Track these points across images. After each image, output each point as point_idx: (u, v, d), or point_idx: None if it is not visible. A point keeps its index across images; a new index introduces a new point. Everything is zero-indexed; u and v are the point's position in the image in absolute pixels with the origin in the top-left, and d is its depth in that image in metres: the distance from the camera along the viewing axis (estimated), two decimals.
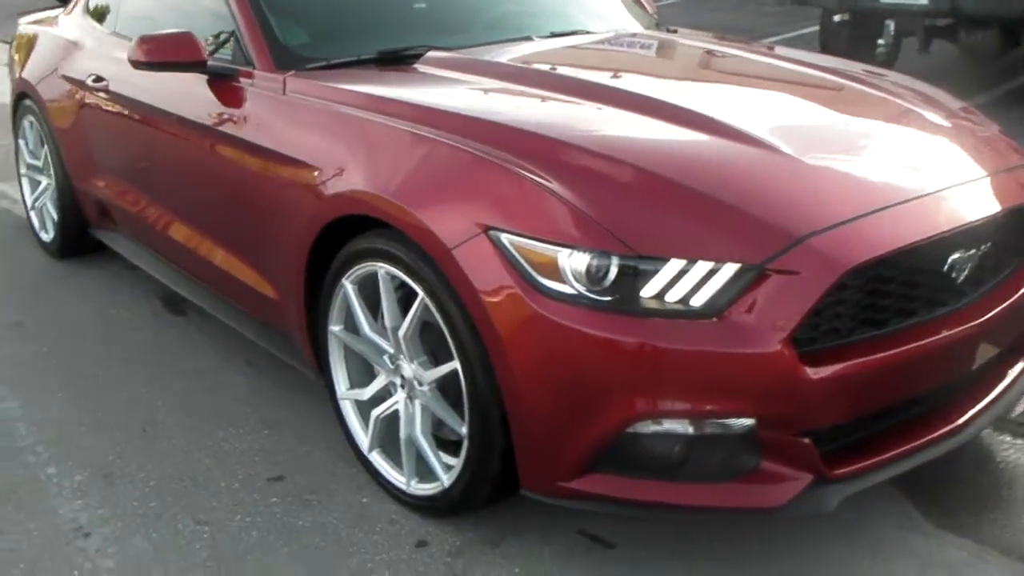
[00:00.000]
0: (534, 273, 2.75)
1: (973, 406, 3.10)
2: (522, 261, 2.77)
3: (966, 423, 3.05)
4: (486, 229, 2.83)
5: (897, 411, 2.96)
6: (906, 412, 2.99)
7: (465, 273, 2.85)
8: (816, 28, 9.83)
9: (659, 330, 2.66)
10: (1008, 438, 3.60)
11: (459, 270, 2.86)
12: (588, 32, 4.54)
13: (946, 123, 3.56)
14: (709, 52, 4.42)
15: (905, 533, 3.14)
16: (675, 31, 4.80)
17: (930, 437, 2.97)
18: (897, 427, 2.97)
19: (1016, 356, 3.34)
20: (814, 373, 2.65)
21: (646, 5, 5.16)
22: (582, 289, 2.70)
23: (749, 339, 2.63)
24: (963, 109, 3.82)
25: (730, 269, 2.66)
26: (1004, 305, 3.07)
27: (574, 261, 2.71)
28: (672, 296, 2.67)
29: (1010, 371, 3.29)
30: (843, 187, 2.96)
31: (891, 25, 8.60)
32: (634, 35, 4.60)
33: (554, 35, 4.42)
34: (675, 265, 2.67)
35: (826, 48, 9.04)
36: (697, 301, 2.66)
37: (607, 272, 2.69)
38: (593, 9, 4.86)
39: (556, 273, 2.73)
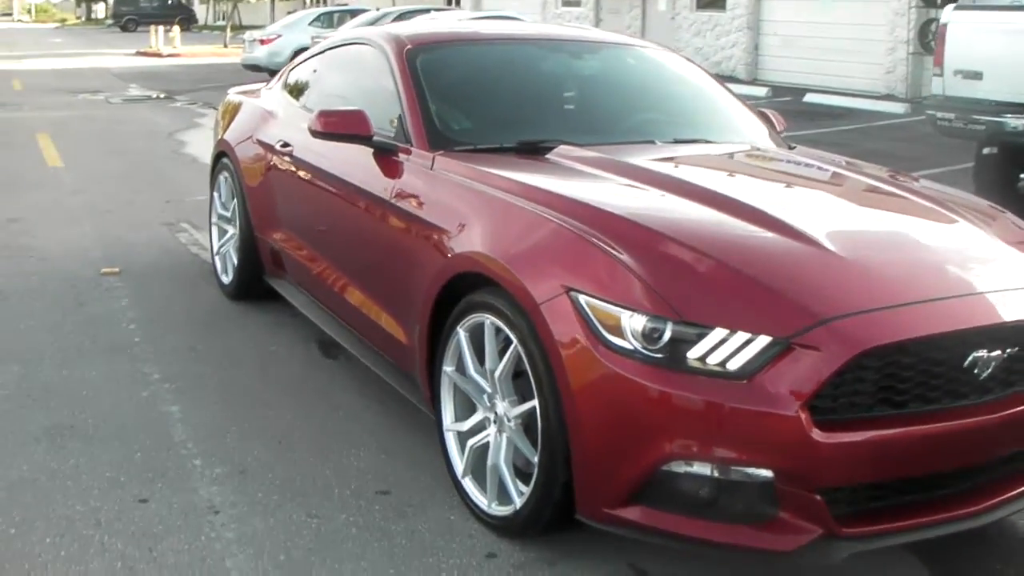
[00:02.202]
0: (602, 329, 3.29)
1: (996, 495, 3.44)
2: (593, 318, 3.31)
3: (984, 509, 3.40)
4: (568, 290, 3.38)
5: (920, 487, 3.35)
6: (930, 490, 3.37)
7: (548, 324, 3.40)
8: None
9: (699, 386, 3.17)
10: None
11: (544, 322, 3.42)
12: (709, 142, 5.06)
13: (1006, 247, 3.87)
14: (808, 166, 4.86)
15: None
16: (794, 147, 5.25)
17: (943, 516, 3.34)
18: (915, 501, 3.36)
19: None
20: (826, 438, 3.10)
21: (775, 121, 5.60)
22: (639, 346, 3.23)
23: (772, 401, 3.10)
24: None
25: (763, 341, 3.15)
26: None
27: (634, 322, 3.24)
28: (713, 359, 3.17)
29: None
30: (873, 282, 3.40)
31: None
32: (752, 148, 5.08)
33: (677, 141, 4.96)
34: (718, 333, 3.17)
35: (977, 181, 9.10)
36: (733, 365, 3.15)
37: (662, 334, 3.20)
38: (718, 122, 5.38)
39: (619, 331, 3.26)
